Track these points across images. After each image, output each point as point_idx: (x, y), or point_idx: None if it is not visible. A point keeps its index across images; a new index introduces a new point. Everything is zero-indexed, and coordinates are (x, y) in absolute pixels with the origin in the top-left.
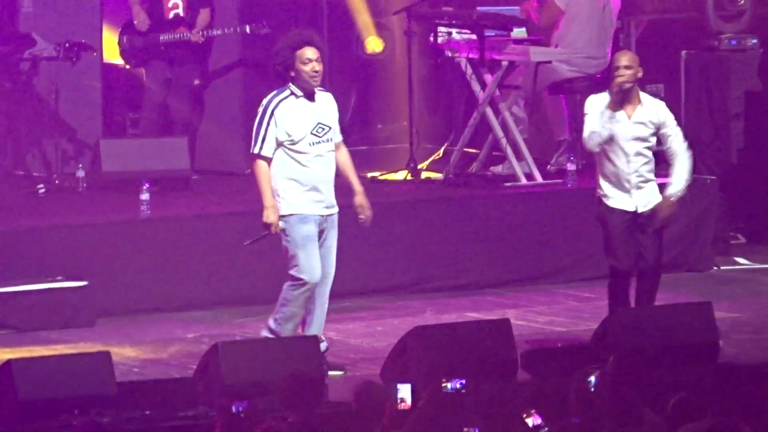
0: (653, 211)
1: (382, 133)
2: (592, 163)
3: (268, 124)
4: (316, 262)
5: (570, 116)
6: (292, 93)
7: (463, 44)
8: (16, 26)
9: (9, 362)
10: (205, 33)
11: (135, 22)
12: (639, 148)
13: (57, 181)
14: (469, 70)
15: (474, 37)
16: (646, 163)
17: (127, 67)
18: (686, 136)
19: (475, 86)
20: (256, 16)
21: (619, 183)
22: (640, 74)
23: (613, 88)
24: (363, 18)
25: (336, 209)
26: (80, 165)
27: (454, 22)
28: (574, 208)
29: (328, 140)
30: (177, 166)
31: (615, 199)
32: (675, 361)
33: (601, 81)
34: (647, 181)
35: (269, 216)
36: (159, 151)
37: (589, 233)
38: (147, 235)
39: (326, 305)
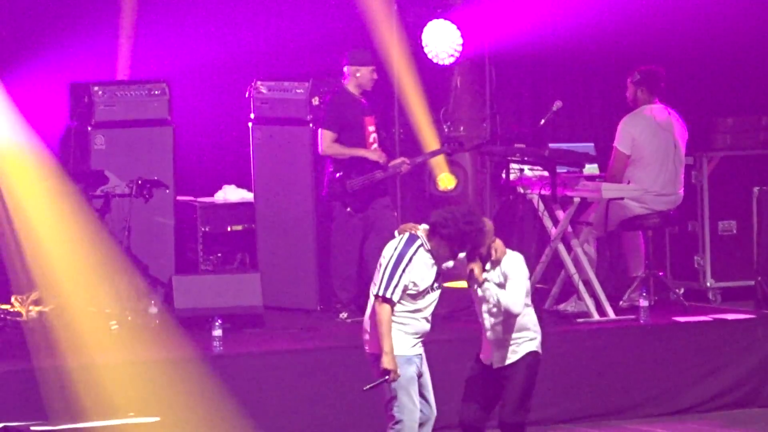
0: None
1: (453, 270)
2: (666, 299)
3: (404, 270)
4: (416, 404)
5: (646, 253)
6: (422, 245)
7: (535, 181)
8: (89, 163)
9: None
10: (412, 162)
11: (380, 160)
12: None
13: (130, 318)
14: (542, 207)
15: (546, 173)
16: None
17: (348, 210)
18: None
19: (547, 222)
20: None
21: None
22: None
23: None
24: None
25: None
26: (153, 301)
27: (526, 158)
28: (647, 345)
29: (438, 288)
30: (249, 302)
31: None
32: None
33: (674, 218)
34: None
35: (389, 362)
36: (232, 288)
37: (660, 369)
38: (219, 372)
39: None
